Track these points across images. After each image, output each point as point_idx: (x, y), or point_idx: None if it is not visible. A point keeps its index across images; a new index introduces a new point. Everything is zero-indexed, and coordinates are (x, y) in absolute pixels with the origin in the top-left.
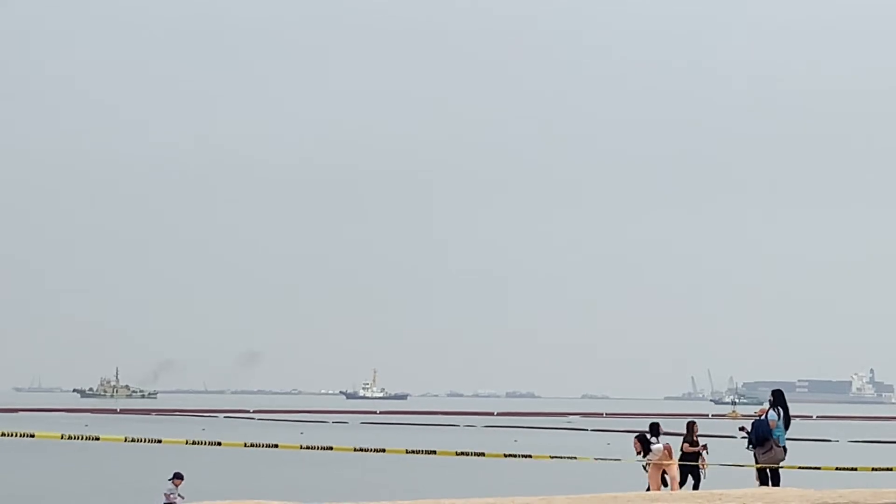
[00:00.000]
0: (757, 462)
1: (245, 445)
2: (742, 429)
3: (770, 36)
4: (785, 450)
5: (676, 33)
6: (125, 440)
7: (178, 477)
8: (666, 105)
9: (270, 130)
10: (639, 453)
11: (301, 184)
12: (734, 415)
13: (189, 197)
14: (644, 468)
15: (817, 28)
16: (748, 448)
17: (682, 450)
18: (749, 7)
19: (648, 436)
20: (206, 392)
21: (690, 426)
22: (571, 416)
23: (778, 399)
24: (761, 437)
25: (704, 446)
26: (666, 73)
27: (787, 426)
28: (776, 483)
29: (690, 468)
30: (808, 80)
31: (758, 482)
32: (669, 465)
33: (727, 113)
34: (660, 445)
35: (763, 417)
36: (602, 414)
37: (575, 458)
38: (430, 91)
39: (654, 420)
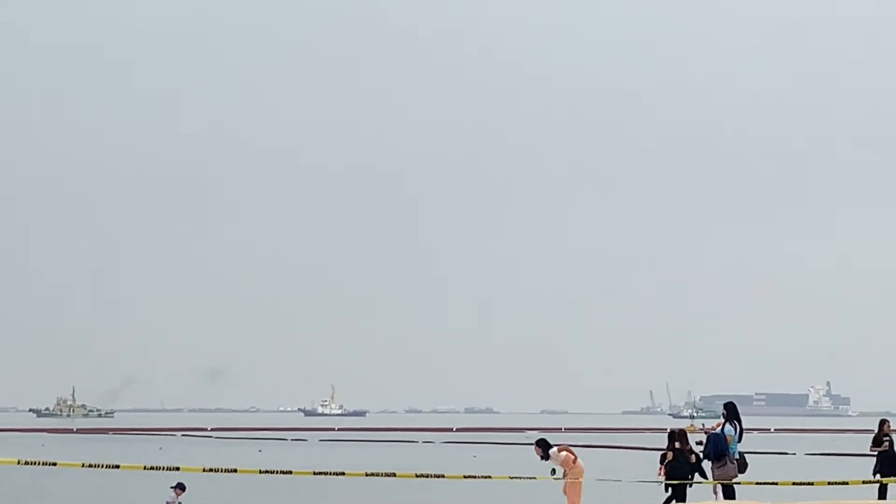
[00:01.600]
0: (712, 477)
1: (203, 470)
2: (700, 443)
3: None
4: (745, 464)
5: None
6: (83, 466)
7: (180, 487)
8: (619, 103)
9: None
10: (541, 458)
11: (260, 201)
12: (693, 428)
13: (146, 215)
14: (552, 472)
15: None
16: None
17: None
18: None
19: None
20: (164, 410)
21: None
22: (530, 431)
23: (732, 412)
24: (719, 452)
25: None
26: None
27: (739, 439)
28: (731, 497)
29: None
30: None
31: (715, 496)
32: (578, 470)
33: (681, 115)
34: (556, 450)
35: (720, 431)
36: (561, 429)
37: (534, 478)
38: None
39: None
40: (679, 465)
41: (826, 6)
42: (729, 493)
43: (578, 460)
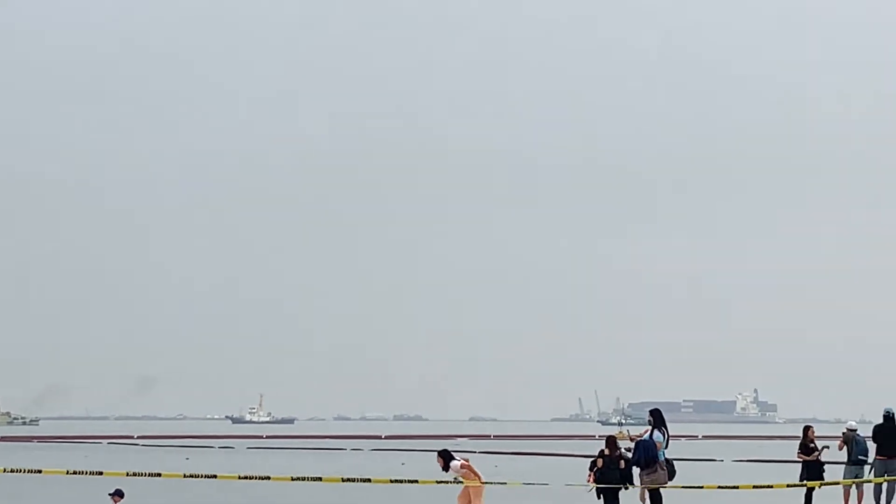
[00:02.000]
0: (641, 483)
1: (127, 475)
2: (629, 450)
3: None
4: (674, 470)
5: None
6: (3, 471)
7: (118, 494)
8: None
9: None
10: (443, 469)
11: (196, 206)
12: (622, 435)
13: (80, 214)
14: (456, 480)
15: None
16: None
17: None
18: None
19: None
20: (90, 418)
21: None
22: (459, 439)
23: (658, 419)
24: (649, 459)
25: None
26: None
27: (666, 446)
28: (658, 503)
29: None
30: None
31: (643, 502)
32: (476, 486)
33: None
34: (457, 462)
35: (648, 438)
36: (490, 436)
37: (461, 482)
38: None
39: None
40: (608, 472)
41: None
42: (656, 499)
43: (478, 477)
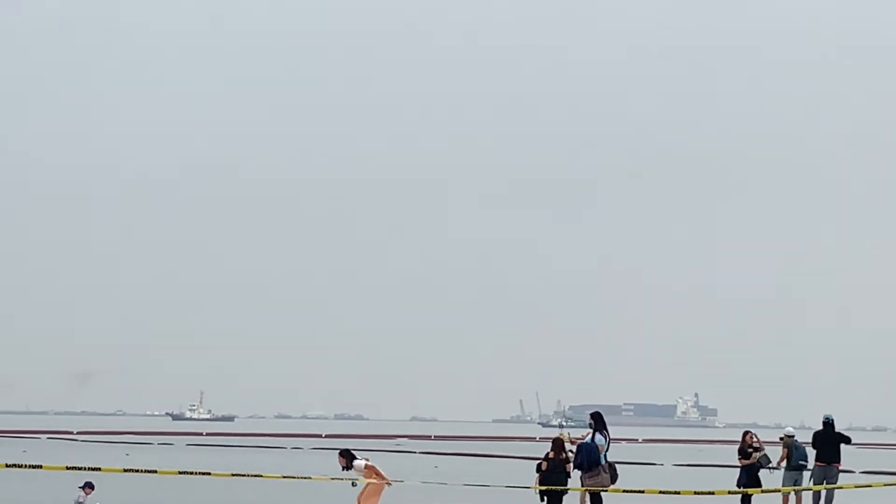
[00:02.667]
0: (583, 485)
1: (66, 468)
2: (571, 451)
3: None
4: (616, 473)
5: None
6: None
7: (89, 486)
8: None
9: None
10: (343, 468)
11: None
12: (563, 438)
13: (15, 205)
14: (353, 483)
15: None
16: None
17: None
18: None
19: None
20: (29, 413)
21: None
22: (400, 439)
23: (599, 422)
24: (593, 462)
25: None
26: None
27: (607, 448)
28: None
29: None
30: None
31: None
32: (376, 483)
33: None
34: (362, 462)
35: (590, 441)
36: (430, 436)
37: (402, 481)
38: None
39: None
40: (553, 475)
41: None
42: (597, 502)
43: (382, 477)
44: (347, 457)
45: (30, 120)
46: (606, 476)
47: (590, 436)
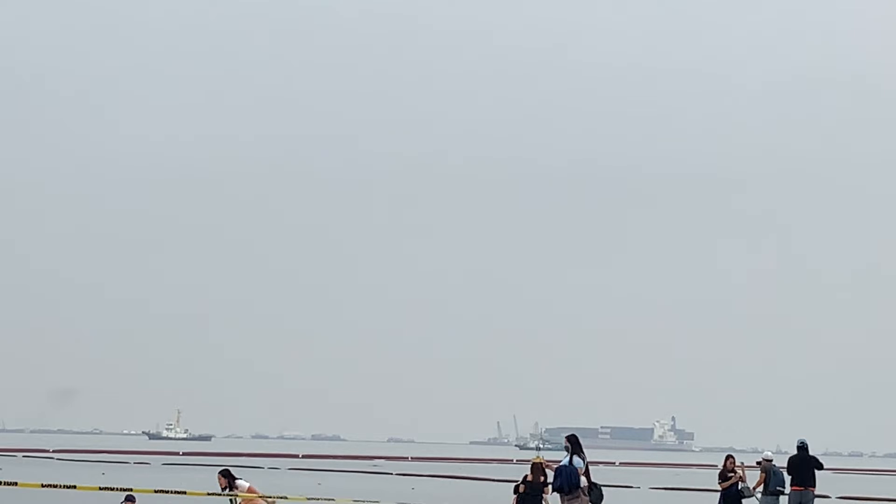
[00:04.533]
0: None
1: (42, 486)
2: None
3: None
4: (601, 495)
5: None
6: None
7: (130, 500)
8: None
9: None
10: (224, 488)
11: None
12: (539, 460)
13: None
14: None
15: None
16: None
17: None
18: None
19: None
20: (5, 431)
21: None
22: (377, 460)
23: (576, 444)
24: (573, 485)
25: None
26: None
27: (585, 470)
28: None
29: None
30: None
31: None
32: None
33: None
34: (245, 483)
35: (568, 464)
36: (408, 458)
37: (378, 502)
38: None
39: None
40: (530, 498)
41: None
42: None
43: (264, 497)
44: (228, 477)
45: None
46: (586, 499)
47: (567, 458)
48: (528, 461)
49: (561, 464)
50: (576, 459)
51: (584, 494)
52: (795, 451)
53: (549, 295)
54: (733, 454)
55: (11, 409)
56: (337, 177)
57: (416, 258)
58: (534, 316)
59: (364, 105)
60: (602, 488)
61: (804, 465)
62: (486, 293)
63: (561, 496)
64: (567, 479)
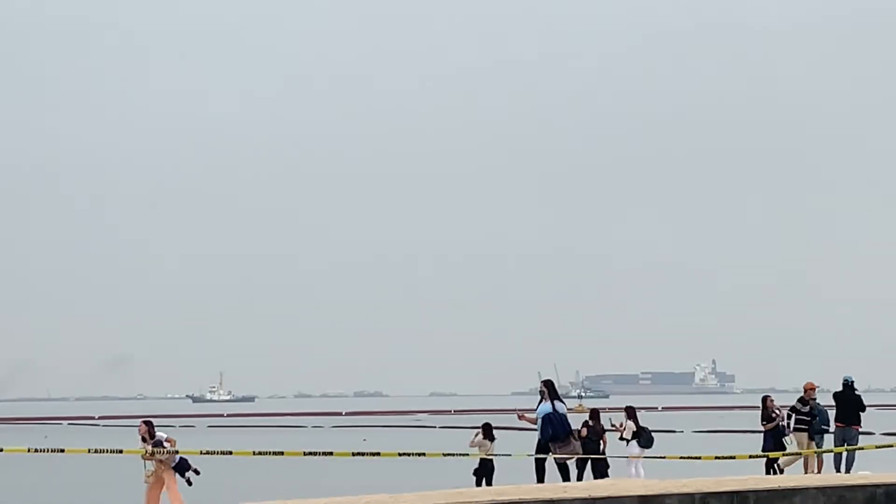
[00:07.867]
0: (555, 456)
1: (88, 451)
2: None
3: None
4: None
5: None
6: None
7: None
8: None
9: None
10: (143, 440)
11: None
12: (580, 408)
13: (41, 195)
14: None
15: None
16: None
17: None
18: None
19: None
20: (50, 400)
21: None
22: (420, 414)
23: (552, 390)
24: (567, 431)
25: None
26: None
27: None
28: (566, 478)
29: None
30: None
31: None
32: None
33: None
34: (164, 435)
35: (553, 410)
36: (450, 411)
37: (423, 454)
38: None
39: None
40: (589, 443)
41: None
42: (565, 472)
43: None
44: (151, 426)
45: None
46: (577, 444)
47: (547, 405)
48: (571, 410)
49: (542, 411)
50: (558, 404)
51: (576, 439)
52: (840, 389)
53: (586, 248)
54: (772, 395)
55: (62, 377)
56: None
57: (447, 216)
58: (572, 266)
59: None
60: (651, 432)
61: (848, 402)
62: (530, 243)
63: (553, 445)
64: (561, 426)
